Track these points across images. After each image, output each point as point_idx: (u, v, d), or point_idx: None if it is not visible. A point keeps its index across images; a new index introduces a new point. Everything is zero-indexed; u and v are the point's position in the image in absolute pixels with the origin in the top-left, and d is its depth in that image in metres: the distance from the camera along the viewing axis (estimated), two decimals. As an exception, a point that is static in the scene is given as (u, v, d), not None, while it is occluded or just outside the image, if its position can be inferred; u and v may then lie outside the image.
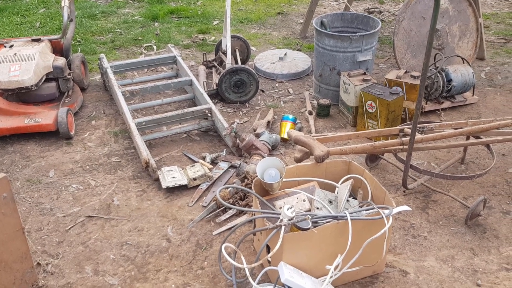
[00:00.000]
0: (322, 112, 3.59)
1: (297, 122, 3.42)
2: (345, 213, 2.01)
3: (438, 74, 3.49)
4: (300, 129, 3.41)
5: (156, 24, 5.36)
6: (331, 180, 2.38)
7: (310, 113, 3.58)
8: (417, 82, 3.27)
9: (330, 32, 3.53)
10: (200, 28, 5.22)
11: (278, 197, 2.31)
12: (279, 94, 3.96)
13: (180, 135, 3.36)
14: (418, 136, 2.60)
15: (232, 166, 3.02)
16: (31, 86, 3.23)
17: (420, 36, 3.80)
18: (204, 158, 3.08)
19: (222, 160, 3.07)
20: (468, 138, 2.87)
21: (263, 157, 2.99)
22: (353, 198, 2.33)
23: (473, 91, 3.71)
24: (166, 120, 3.25)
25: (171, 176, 2.84)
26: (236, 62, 4.09)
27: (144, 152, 2.88)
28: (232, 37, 4.25)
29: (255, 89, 3.75)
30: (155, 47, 4.76)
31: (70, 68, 3.69)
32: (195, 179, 2.84)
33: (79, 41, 4.84)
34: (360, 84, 3.31)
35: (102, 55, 3.96)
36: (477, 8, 4.32)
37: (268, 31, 5.24)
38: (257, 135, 3.22)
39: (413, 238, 2.47)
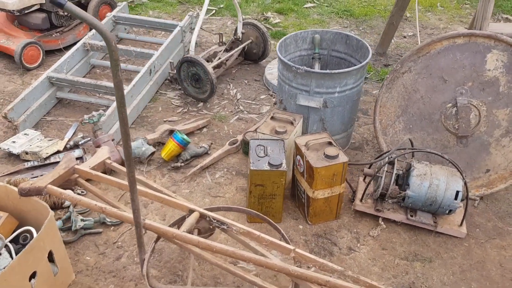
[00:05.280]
0: (245, 149, 2.79)
1: (201, 146, 2.77)
2: None
3: (386, 168, 2.23)
4: (196, 154, 2.74)
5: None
6: (31, 224, 1.89)
7: (232, 144, 2.82)
8: (322, 165, 2.16)
9: (281, 57, 2.58)
10: (283, 7, 4.54)
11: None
12: (249, 108, 3.23)
13: (101, 106, 3.14)
14: (194, 237, 1.76)
15: (80, 158, 2.69)
16: (13, 10, 3.44)
17: (429, 104, 2.45)
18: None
19: (81, 147, 2.76)
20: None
21: (106, 164, 2.56)
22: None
23: (462, 220, 2.27)
24: (80, 85, 3.05)
25: (14, 139, 2.72)
26: (244, 57, 3.50)
27: (12, 105, 2.81)
28: (249, 24, 3.60)
29: (210, 91, 3.13)
30: (214, 10, 4.40)
31: (85, 9, 3.76)
32: (27, 153, 2.65)
33: (162, -15, 4.85)
34: (263, 134, 2.41)
35: (124, 3, 3.88)
36: None
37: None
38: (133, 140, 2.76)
39: None
